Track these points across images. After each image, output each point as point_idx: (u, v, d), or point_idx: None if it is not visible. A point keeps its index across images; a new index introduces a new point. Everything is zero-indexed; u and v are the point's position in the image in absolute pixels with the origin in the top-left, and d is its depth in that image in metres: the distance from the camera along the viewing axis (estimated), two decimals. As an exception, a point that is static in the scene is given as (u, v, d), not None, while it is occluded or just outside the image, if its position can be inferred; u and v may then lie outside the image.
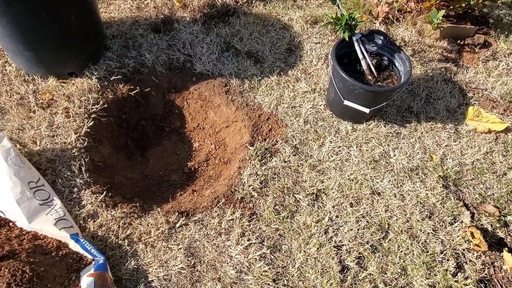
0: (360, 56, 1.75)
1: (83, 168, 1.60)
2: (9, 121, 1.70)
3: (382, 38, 1.84)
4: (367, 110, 1.74)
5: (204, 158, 2.00)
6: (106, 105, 1.85)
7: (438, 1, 2.28)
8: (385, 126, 1.90)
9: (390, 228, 1.58)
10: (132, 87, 1.96)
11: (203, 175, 1.95)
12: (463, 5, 2.33)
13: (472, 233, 1.57)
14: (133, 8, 2.26)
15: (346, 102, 1.76)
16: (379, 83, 1.79)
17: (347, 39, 1.68)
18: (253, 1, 2.42)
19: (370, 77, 1.80)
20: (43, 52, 1.74)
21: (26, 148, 1.62)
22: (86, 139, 1.70)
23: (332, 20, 1.65)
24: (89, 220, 1.47)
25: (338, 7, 1.68)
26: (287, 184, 1.66)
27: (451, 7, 2.40)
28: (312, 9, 2.45)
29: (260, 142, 1.81)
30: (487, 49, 2.39)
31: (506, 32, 2.49)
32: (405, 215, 1.61)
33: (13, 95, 1.77)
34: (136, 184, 1.83)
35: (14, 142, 1.61)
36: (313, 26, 2.35)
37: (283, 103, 1.95)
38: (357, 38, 1.71)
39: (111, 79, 1.91)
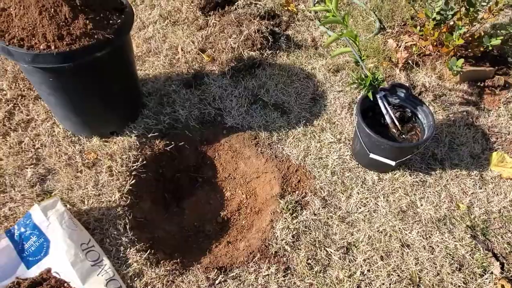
0: (384, 111, 1.84)
1: (127, 226, 1.72)
2: (59, 181, 1.85)
3: (404, 91, 1.93)
4: (393, 163, 1.81)
5: (236, 208, 2.10)
6: (145, 162, 1.99)
7: (456, 46, 2.36)
8: (410, 175, 1.96)
9: (421, 282, 1.62)
10: (168, 142, 2.09)
11: (236, 225, 2.05)
12: (482, 49, 2.40)
13: (502, 286, 1.60)
14: (166, 64, 2.42)
15: (372, 155, 1.84)
16: (403, 136, 1.87)
17: (371, 99, 1.78)
18: (277, 52, 2.56)
19: (394, 130, 1.88)
20: (89, 117, 1.90)
21: (75, 208, 1.76)
22: (129, 196, 1.83)
23: (356, 81, 1.75)
24: (135, 279, 1.57)
25: (362, 68, 1.78)
26: (318, 238, 1.74)
27: (469, 50, 2.47)
28: (334, 57, 2.57)
29: (290, 195, 1.90)
30: (508, 90, 2.44)
31: (526, 72, 2.54)
32: (435, 267, 1.66)
33: (61, 156, 1.93)
34: (174, 237, 1.94)
35: (65, 202, 1.75)
36: (335, 74, 2.46)
37: (310, 154, 2.04)
38: (380, 95, 1.80)
39: (149, 136, 2.05)
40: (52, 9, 1.50)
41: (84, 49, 1.52)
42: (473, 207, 1.87)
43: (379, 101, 1.82)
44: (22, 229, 1.58)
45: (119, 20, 1.64)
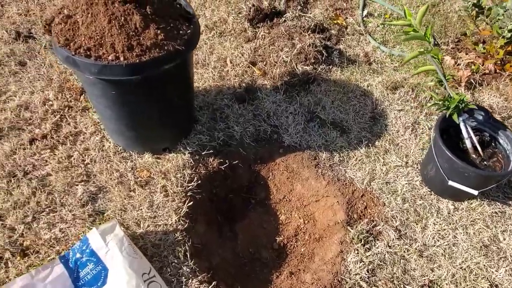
0: (465, 135, 1.70)
1: (187, 254, 1.58)
2: (111, 200, 1.72)
3: (483, 114, 1.78)
4: (475, 192, 1.66)
5: (292, 233, 1.95)
6: (199, 181, 1.86)
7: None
8: (488, 205, 1.80)
9: (516, 328, 1.46)
10: (222, 160, 1.96)
11: (294, 252, 1.90)
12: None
13: None
14: (215, 77, 2.30)
15: (451, 183, 1.68)
16: (485, 163, 1.72)
17: (457, 122, 1.63)
18: (331, 67, 2.43)
19: (474, 156, 1.73)
20: (144, 132, 1.78)
21: (130, 231, 1.62)
22: (186, 220, 1.69)
23: (440, 102, 1.61)
24: (200, 314, 1.43)
25: (445, 89, 1.64)
26: (395, 274, 1.58)
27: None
28: (390, 73, 2.43)
29: (357, 222, 1.75)
30: None
31: None
32: (530, 312, 1.49)
33: (113, 173, 1.80)
34: (230, 264, 1.79)
35: (119, 224, 1.62)
36: (393, 91, 2.32)
37: (376, 178, 1.89)
38: (463, 118, 1.66)
39: (203, 153, 1.92)
40: (123, 18, 1.39)
41: (154, 61, 1.40)
42: (561, 243, 1.70)
43: (461, 124, 1.67)
44: (78, 255, 1.44)
45: (189, 31, 1.52)
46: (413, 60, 2.53)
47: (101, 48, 1.39)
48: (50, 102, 2.06)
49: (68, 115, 2.02)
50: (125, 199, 1.72)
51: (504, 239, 1.70)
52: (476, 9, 2.25)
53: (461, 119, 1.66)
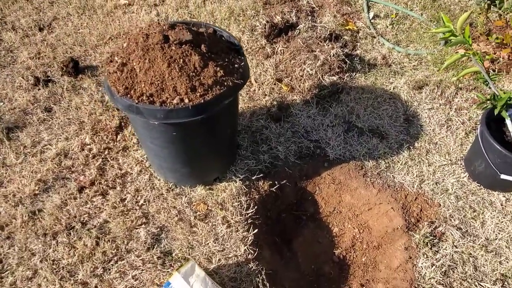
0: (511, 129, 1.76)
1: (266, 283, 1.58)
2: (176, 239, 1.71)
3: (520, 105, 1.85)
4: (528, 183, 1.72)
5: (350, 244, 1.98)
6: (256, 207, 1.86)
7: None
8: (537, 192, 1.87)
9: None
10: (271, 182, 1.97)
11: (356, 263, 1.92)
12: None
13: None
14: (245, 98, 2.31)
15: (503, 176, 1.74)
16: (532, 153, 1.78)
17: (507, 118, 1.69)
18: (354, 74, 2.47)
19: (519, 148, 1.79)
20: (198, 166, 1.78)
21: (202, 267, 1.61)
22: (255, 248, 1.70)
23: (487, 101, 1.67)
24: None
25: (490, 88, 1.70)
26: (467, 272, 1.62)
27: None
28: (411, 73, 2.49)
29: (417, 226, 1.79)
30: None
31: None
32: None
33: (170, 211, 1.79)
34: (300, 284, 1.81)
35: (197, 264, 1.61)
36: (419, 91, 2.38)
37: (425, 180, 1.94)
38: (510, 113, 1.72)
39: (253, 178, 1.93)
40: (181, 60, 1.39)
41: (216, 98, 1.41)
42: None
43: (508, 120, 1.73)
44: (164, 302, 1.43)
45: (242, 63, 1.53)
46: (430, 56, 2.59)
47: (163, 93, 1.38)
48: (89, 146, 2.03)
49: (109, 157, 1.99)
50: (189, 236, 1.72)
51: (559, 223, 1.77)
52: (488, 1, 2.33)
53: (508, 114, 1.72)
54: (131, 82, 1.41)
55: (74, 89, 2.35)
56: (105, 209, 1.79)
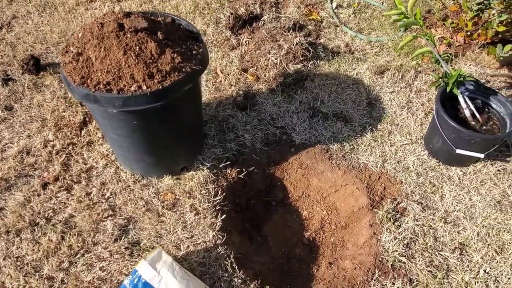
0: (464, 105, 1.84)
1: (235, 266, 1.61)
2: (143, 229, 1.71)
3: (473, 83, 1.93)
4: (482, 155, 1.80)
5: (318, 226, 2.02)
6: (224, 194, 1.88)
7: (493, 35, 2.42)
8: (491, 165, 1.96)
9: (543, 270, 1.61)
10: (239, 169, 1.99)
11: (325, 244, 1.97)
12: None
13: None
14: (211, 89, 2.33)
15: (459, 151, 1.82)
16: (484, 127, 1.87)
17: (458, 94, 1.77)
18: (318, 62, 2.52)
19: (473, 123, 1.88)
20: (163, 156, 1.78)
21: (171, 255, 1.62)
22: (223, 233, 1.72)
23: (439, 79, 1.74)
24: (265, 321, 1.46)
25: (442, 67, 1.77)
26: (428, 243, 1.69)
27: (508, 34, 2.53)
28: (373, 59, 2.56)
29: (381, 204, 1.85)
30: (544, 69, 2.52)
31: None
32: (551, 253, 1.66)
33: (138, 202, 1.78)
34: (271, 268, 1.84)
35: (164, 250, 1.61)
36: (381, 76, 2.45)
37: (388, 159, 2.01)
38: (461, 90, 1.80)
39: (220, 166, 1.94)
40: (137, 47, 1.39)
41: (175, 84, 1.41)
42: (559, 187, 1.89)
43: (460, 97, 1.81)
44: (131, 290, 1.43)
45: (200, 49, 1.54)
46: (391, 42, 2.68)
47: (120, 81, 1.38)
48: (52, 143, 2.00)
49: (74, 153, 1.97)
50: (157, 225, 1.72)
51: (512, 193, 1.86)
52: (442, -13, 2.42)
53: (459, 91, 1.79)
54: (87, 71, 1.40)
55: (36, 86, 2.31)
56: (70, 204, 1.77)
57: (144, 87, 1.37)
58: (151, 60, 1.40)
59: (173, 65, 1.42)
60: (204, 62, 1.53)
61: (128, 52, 1.38)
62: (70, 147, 1.99)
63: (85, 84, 1.38)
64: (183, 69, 1.44)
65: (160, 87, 1.38)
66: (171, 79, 1.41)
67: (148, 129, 1.56)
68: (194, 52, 1.52)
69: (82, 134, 2.05)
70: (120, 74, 1.38)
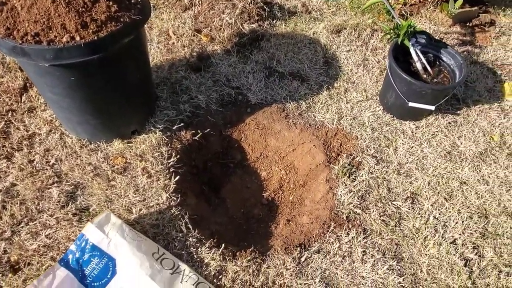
0: (416, 58, 1.85)
1: (189, 226, 1.57)
2: (92, 195, 1.63)
3: (425, 37, 1.94)
4: (432, 107, 1.83)
5: (277, 186, 2.02)
6: (178, 156, 1.82)
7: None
8: (442, 118, 2.01)
9: (487, 213, 1.68)
10: (194, 131, 1.93)
11: (284, 203, 1.97)
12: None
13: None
14: (163, 51, 2.22)
15: (411, 104, 1.84)
16: (435, 80, 1.89)
17: (410, 46, 1.76)
18: (275, 22, 2.45)
19: (425, 76, 1.89)
20: (110, 117, 1.69)
21: (122, 219, 1.56)
22: (177, 195, 1.67)
23: (390, 31, 1.73)
24: (220, 277, 1.45)
25: (393, 18, 1.75)
26: (381, 194, 1.72)
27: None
28: (330, 19, 2.53)
29: (337, 160, 1.85)
30: (494, 26, 2.57)
31: (503, 7, 2.70)
32: (495, 197, 1.73)
33: (85, 167, 1.70)
34: (228, 228, 1.82)
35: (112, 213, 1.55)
36: (338, 35, 2.42)
37: (344, 116, 2.01)
38: (412, 43, 1.80)
39: (174, 128, 1.87)
40: (67, -6, 1.27)
41: (112, 35, 1.32)
42: (505, 136, 1.96)
43: (411, 49, 1.81)
44: (78, 254, 1.37)
45: (140, -1, 1.44)
46: (348, 2, 2.64)
47: (50, 31, 1.27)
48: (-11, 110, 1.85)
49: (14, 119, 1.83)
50: (107, 190, 1.64)
51: (461, 143, 1.91)
52: None
53: (411, 43, 1.79)
54: (12, 21, 1.27)
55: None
56: (12, 172, 1.66)
57: (78, 38, 1.27)
58: (83, 9, 1.29)
59: (109, 14, 1.32)
60: (145, 12, 1.43)
61: (58, 0, 1.26)
62: (10, 114, 1.85)
63: (11, 36, 1.25)
64: (121, 19, 1.34)
65: (96, 38, 1.28)
66: (107, 30, 1.31)
67: (88, 86, 1.46)
68: (133, 1, 1.41)
69: (22, 100, 1.91)
70: (50, 24, 1.27)
